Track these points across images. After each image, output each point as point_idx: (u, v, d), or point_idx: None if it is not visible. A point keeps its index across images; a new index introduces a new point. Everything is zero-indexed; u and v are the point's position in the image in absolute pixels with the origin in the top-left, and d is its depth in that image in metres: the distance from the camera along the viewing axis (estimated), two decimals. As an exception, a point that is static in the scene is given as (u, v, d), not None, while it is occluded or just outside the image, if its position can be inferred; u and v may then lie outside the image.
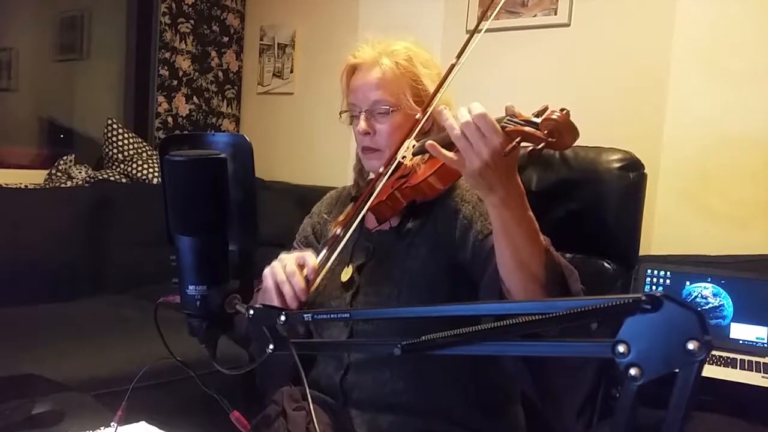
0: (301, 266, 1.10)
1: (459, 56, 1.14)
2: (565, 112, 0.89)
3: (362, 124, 1.24)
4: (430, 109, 1.17)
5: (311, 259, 1.11)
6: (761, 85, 2.14)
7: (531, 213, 1.00)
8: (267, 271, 1.12)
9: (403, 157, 1.16)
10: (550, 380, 1.28)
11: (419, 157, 1.17)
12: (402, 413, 1.19)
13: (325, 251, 1.14)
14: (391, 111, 1.23)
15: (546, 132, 0.89)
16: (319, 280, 1.12)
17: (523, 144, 0.92)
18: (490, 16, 1.16)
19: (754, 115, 2.16)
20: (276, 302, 1.09)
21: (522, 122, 0.92)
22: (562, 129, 0.89)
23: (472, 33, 1.13)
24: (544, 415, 1.33)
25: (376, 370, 1.20)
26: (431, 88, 1.23)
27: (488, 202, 0.99)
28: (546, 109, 0.92)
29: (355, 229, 1.31)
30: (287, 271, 1.09)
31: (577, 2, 2.55)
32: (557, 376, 1.34)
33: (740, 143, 2.18)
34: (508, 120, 0.94)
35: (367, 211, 1.17)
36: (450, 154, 0.97)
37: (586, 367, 1.39)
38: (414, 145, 1.17)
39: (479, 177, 0.94)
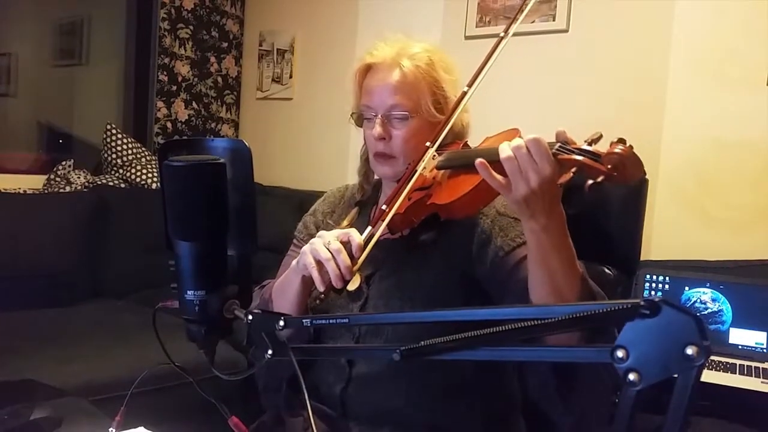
0: (345, 243, 1.05)
1: (470, 85, 1.10)
2: (629, 145, 0.85)
3: (378, 129, 1.17)
4: (451, 121, 1.11)
5: (356, 235, 1.06)
6: (759, 91, 2.14)
7: (569, 239, 0.97)
8: (306, 248, 1.07)
9: (423, 168, 1.10)
10: (577, 392, 1.23)
11: (441, 171, 1.11)
12: (402, 426, 1.16)
13: (369, 228, 1.08)
14: (409, 117, 1.17)
15: (610, 166, 0.84)
16: (363, 257, 1.05)
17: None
18: (507, 35, 1.09)
19: (752, 120, 2.16)
20: (317, 281, 1.04)
21: (578, 151, 0.87)
22: (627, 163, 0.84)
23: (485, 60, 1.09)
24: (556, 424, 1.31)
25: (377, 384, 1.17)
26: (452, 95, 1.18)
27: (528, 227, 0.95)
28: (600, 137, 0.88)
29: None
30: (332, 248, 1.03)
31: (575, 8, 2.56)
32: (585, 386, 1.29)
33: (738, 149, 2.19)
34: (560, 147, 0.89)
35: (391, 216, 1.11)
36: (498, 177, 0.92)
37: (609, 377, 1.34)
38: (435, 156, 1.11)
39: (524, 203, 0.91)
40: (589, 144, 0.88)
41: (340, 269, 1.02)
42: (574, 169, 0.87)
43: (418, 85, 1.18)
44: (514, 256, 1.09)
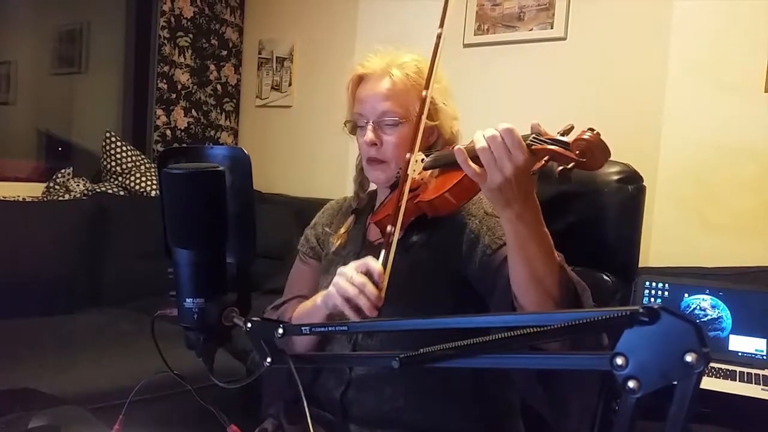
0: (366, 274, 1.06)
1: (441, 24, 1.12)
2: (596, 132, 0.89)
3: (369, 135, 1.22)
4: (424, 117, 1.13)
5: (374, 263, 1.06)
6: (757, 96, 2.15)
7: (546, 229, 1.00)
8: (331, 289, 1.07)
9: (413, 171, 1.13)
10: (561, 392, 1.25)
11: (429, 171, 1.15)
12: (402, 430, 1.17)
13: (383, 253, 1.09)
14: (400, 123, 1.21)
15: (578, 152, 0.88)
16: (386, 281, 1.06)
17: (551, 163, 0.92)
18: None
19: (751, 126, 2.17)
20: (352, 317, 1.04)
21: (550, 141, 0.91)
22: (594, 149, 0.88)
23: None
24: (554, 428, 1.32)
25: (377, 386, 1.18)
26: (440, 102, 1.22)
27: (504, 217, 0.98)
28: (572, 128, 0.92)
29: (357, 243, 1.30)
30: (357, 283, 1.04)
31: (574, 16, 2.57)
32: (568, 387, 1.31)
33: (737, 154, 2.19)
34: (534, 138, 0.93)
35: (396, 222, 1.11)
36: (473, 166, 0.96)
37: (594, 378, 1.37)
38: (423, 159, 1.15)
39: (498, 192, 0.94)
40: (562, 135, 0.92)
41: (370, 301, 1.03)
42: (546, 158, 0.91)
43: (408, 93, 1.22)
44: (501, 253, 1.11)
